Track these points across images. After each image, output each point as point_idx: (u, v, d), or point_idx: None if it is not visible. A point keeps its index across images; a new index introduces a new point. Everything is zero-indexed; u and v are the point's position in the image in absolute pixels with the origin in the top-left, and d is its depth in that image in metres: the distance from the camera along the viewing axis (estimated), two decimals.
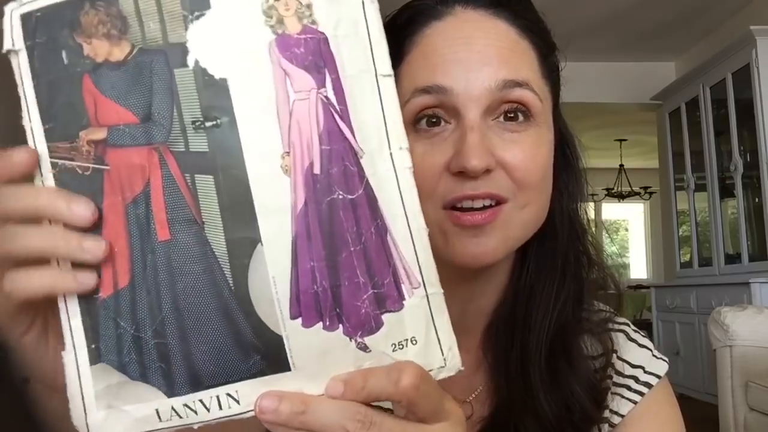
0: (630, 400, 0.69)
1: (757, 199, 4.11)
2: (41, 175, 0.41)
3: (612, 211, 9.09)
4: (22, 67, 0.40)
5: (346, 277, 0.39)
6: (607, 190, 7.96)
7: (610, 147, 7.53)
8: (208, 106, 0.40)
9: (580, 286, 0.69)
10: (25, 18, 0.40)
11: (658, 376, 0.70)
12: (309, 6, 0.39)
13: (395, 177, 0.40)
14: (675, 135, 4.98)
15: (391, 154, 0.40)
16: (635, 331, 0.74)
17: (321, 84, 0.40)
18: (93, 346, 0.40)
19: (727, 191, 4.43)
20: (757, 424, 2.61)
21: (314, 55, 0.39)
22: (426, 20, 0.63)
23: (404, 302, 0.40)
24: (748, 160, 4.16)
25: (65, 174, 0.40)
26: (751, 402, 2.67)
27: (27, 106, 0.41)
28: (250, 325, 0.40)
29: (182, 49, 0.40)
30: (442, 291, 0.40)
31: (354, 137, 0.40)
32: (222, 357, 0.40)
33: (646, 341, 0.73)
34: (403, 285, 0.40)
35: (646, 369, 0.70)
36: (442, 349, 0.40)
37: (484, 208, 0.60)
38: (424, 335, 0.40)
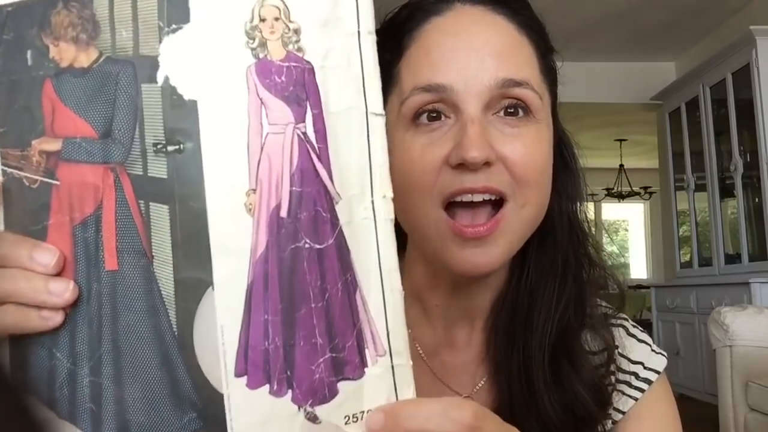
0: (631, 396, 0.69)
1: (757, 199, 4.11)
2: None
3: (612, 211, 9.06)
4: None
5: (303, 336, 0.35)
6: (607, 190, 7.95)
7: (610, 147, 7.52)
8: (173, 128, 0.36)
9: (581, 288, 0.69)
10: None
11: (658, 372, 0.70)
12: (297, 31, 0.36)
13: (374, 228, 0.36)
14: (675, 135, 4.97)
15: (372, 201, 0.36)
16: (634, 326, 0.74)
17: (300, 118, 0.36)
18: (18, 375, 0.36)
19: (727, 191, 4.42)
20: (757, 424, 2.61)
21: (296, 85, 0.36)
22: (426, 16, 0.63)
23: (366, 370, 0.36)
24: (748, 160, 4.15)
25: (12, 183, 0.37)
26: (751, 402, 2.67)
27: None
28: (191, 378, 0.36)
29: (152, 63, 0.36)
30: (410, 363, 0.37)
31: (331, 180, 0.36)
32: (155, 409, 0.36)
33: (644, 336, 0.73)
34: (367, 350, 0.36)
35: (646, 365, 0.70)
36: None
37: (484, 202, 0.59)
38: None
